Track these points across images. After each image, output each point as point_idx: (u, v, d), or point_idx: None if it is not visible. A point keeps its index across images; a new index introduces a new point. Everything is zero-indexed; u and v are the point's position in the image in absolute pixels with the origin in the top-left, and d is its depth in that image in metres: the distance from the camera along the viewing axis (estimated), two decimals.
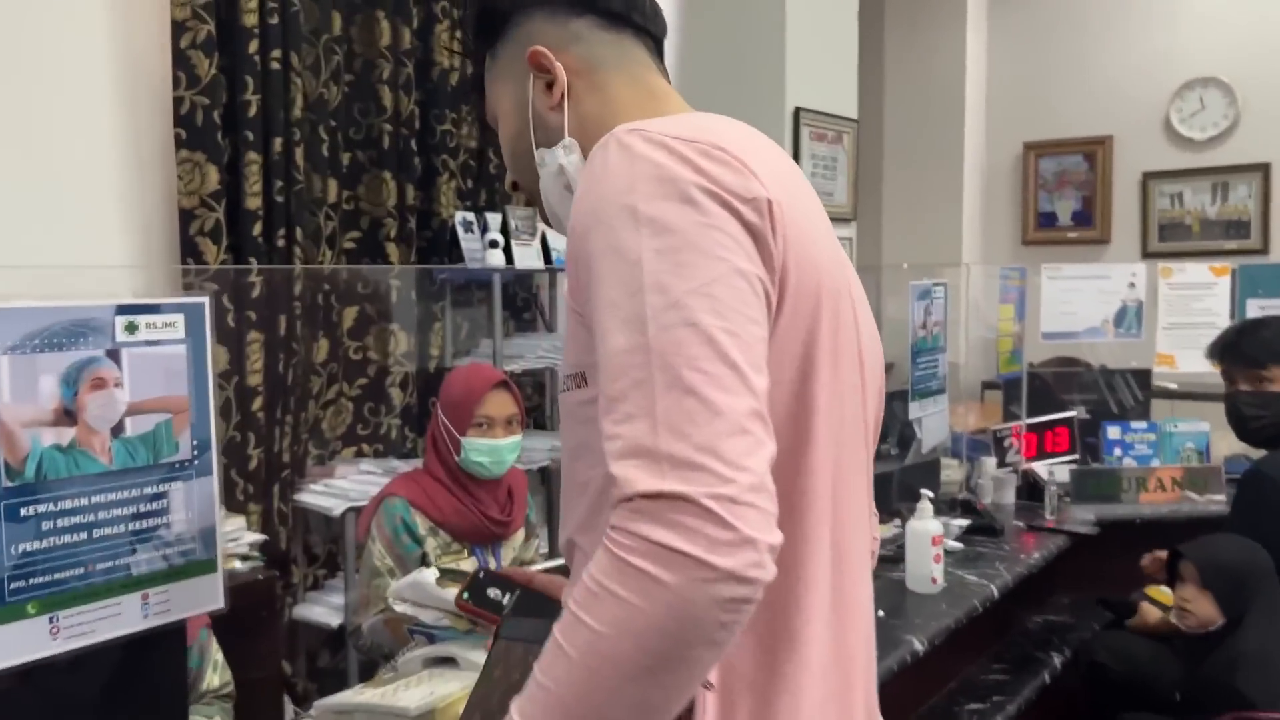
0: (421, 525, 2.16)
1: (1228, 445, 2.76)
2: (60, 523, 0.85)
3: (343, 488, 2.93)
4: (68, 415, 0.88)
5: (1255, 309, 2.60)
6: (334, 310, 3.06)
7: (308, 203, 2.90)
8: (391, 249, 3.17)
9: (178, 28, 2.56)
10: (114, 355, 0.91)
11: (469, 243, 3.37)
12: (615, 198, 0.78)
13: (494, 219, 3.44)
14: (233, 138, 2.70)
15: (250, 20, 2.67)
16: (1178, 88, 4.68)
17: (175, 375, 0.93)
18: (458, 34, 3.29)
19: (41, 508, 0.85)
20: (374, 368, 3.23)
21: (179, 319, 0.93)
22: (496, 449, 2.17)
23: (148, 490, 0.91)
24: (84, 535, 0.87)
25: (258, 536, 2.56)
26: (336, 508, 2.81)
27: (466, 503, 2.18)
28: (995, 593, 2.48)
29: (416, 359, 3.35)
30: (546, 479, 3.59)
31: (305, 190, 2.87)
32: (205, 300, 0.94)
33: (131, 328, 0.91)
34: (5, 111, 2.37)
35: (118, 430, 0.92)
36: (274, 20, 2.72)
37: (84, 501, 0.86)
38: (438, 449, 2.21)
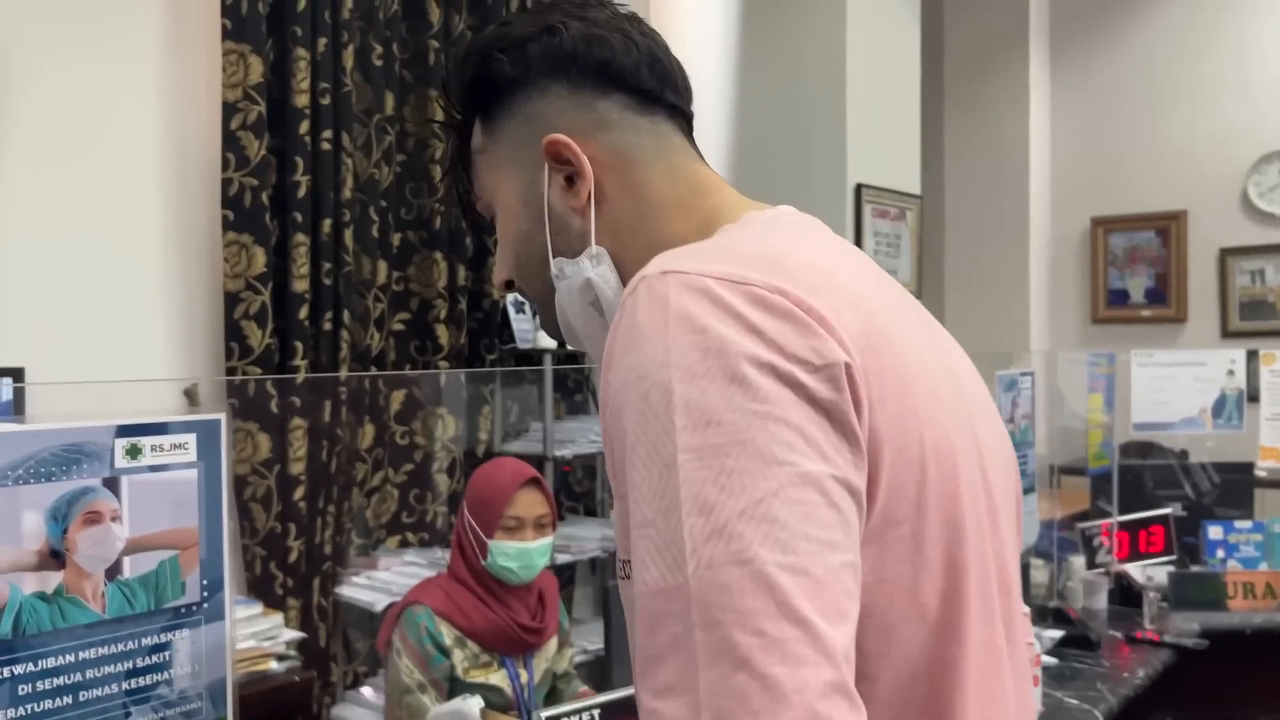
0: (448, 635, 2.00)
1: None
2: (42, 685, 0.72)
3: (385, 580, 2.80)
4: (55, 557, 0.75)
5: None
6: (381, 394, 2.96)
7: (356, 285, 2.82)
8: (441, 330, 3.08)
9: (229, 109, 2.52)
10: (112, 484, 0.79)
11: (520, 323, 3.28)
12: (648, 371, 0.62)
13: None
14: (281, 219, 2.64)
15: (302, 101, 2.62)
16: (1255, 161, 4.50)
17: (184, 504, 0.80)
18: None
19: (20, 668, 0.72)
20: (420, 453, 3.12)
21: (190, 439, 0.80)
22: (526, 552, 2.02)
23: (147, 641, 0.77)
24: (69, 699, 0.74)
25: (295, 634, 2.42)
26: (379, 602, 2.68)
27: (497, 610, 2.02)
28: None
29: (464, 443, 3.23)
30: (597, 569, 3.43)
31: (354, 272, 2.79)
32: (221, 418, 0.82)
33: (134, 452, 0.79)
34: (55, 194, 2.33)
35: (114, 572, 0.79)
36: (325, 100, 2.67)
37: (70, 659, 0.73)
38: (464, 551, 2.06)
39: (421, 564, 2.96)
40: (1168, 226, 4.72)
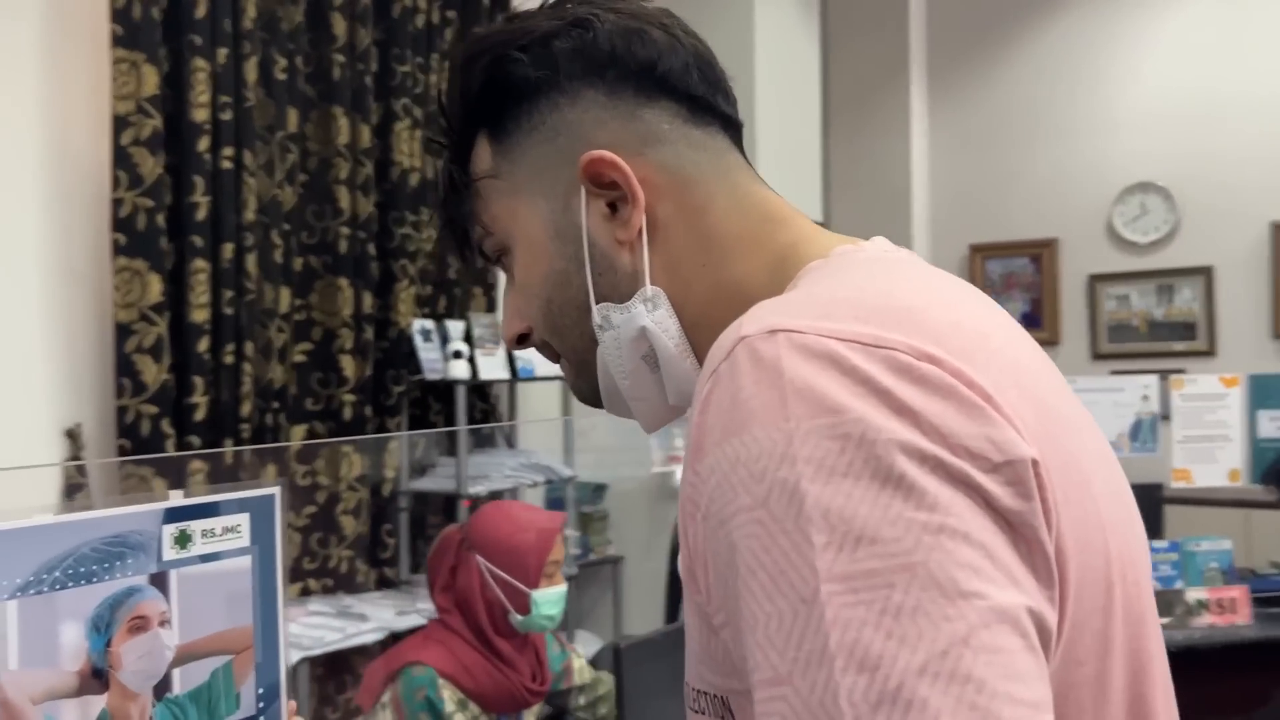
0: (450, 700, 1.81)
1: (1246, 560, 2.66)
2: None
3: (293, 634, 2.59)
4: (97, 677, 0.61)
5: (1266, 420, 2.54)
6: (283, 430, 2.75)
7: (259, 314, 2.62)
8: (346, 361, 2.89)
9: (120, 122, 2.30)
10: (160, 581, 0.65)
11: (428, 353, 3.12)
12: (763, 466, 0.46)
13: (455, 327, 3.20)
14: (178, 243, 2.42)
15: (200, 115, 2.42)
16: (1119, 192, 4.75)
17: (238, 599, 0.66)
18: (416, 135, 3.09)
19: None
20: (324, 493, 2.91)
21: (243, 521, 0.66)
22: (564, 597, 1.90)
23: None
24: None
25: None
26: (290, 658, 2.47)
27: (505, 672, 1.86)
28: None
29: (369, 482, 3.04)
30: None
31: (257, 300, 2.59)
32: (275, 491, 0.68)
33: (183, 540, 0.64)
34: None
35: (162, 687, 0.64)
36: (226, 115, 2.47)
37: None
38: (470, 608, 1.86)
39: (329, 613, 2.76)
40: (1040, 254, 4.93)
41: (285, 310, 2.74)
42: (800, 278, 0.60)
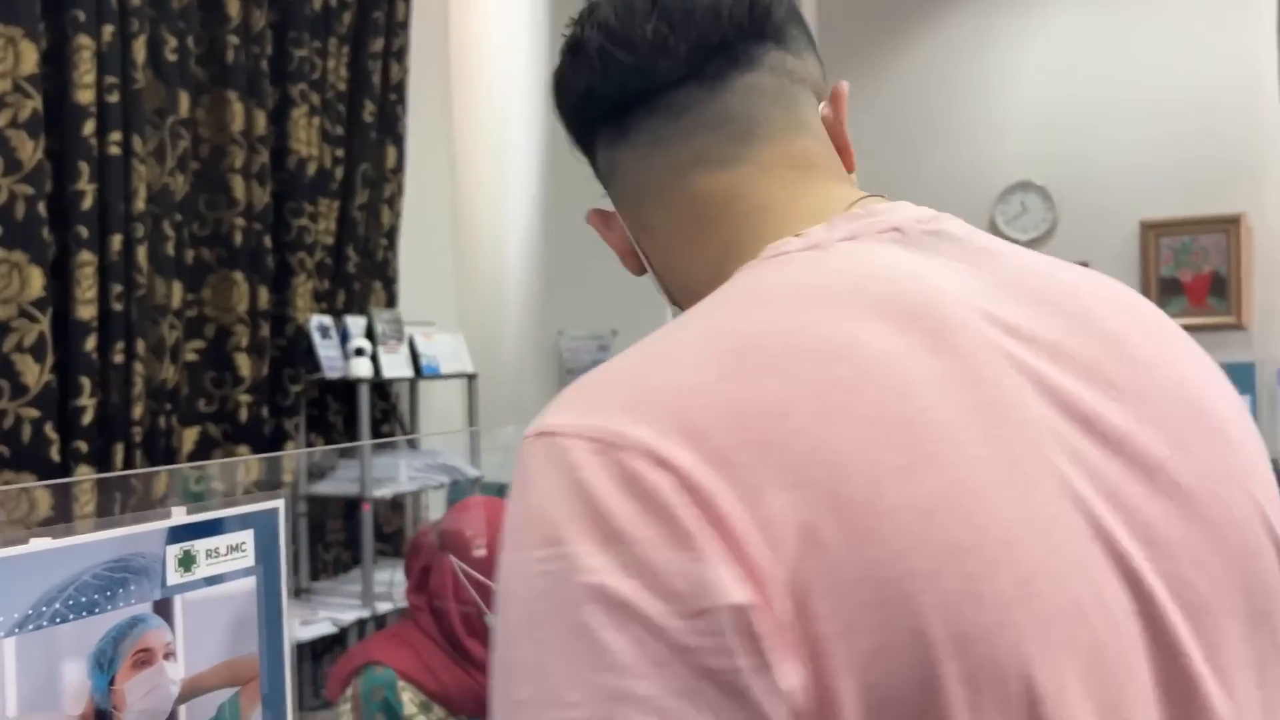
0: (410, 703, 1.73)
1: None
2: None
3: None
4: (101, 718, 0.53)
5: None
6: (175, 434, 2.59)
7: (150, 310, 2.46)
8: (241, 360, 2.75)
9: None
10: (164, 608, 0.57)
11: (326, 350, 3.00)
12: (502, 601, 0.45)
13: (356, 323, 3.08)
14: (61, 234, 2.25)
15: (85, 97, 2.25)
16: (1001, 191, 4.94)
17: (244, 624, 0.59)
18: (314, 122, 2.96)
19: None
20: (217, 500, 2.76)
21: (247, 539, 0.59)
22: None
23: None
24: None
25: None
26: None
27: (473, 673, 1.78)
28: None
29: (265, 488, 2.90)
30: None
31: (148, 295, 2.43)
32: (280, 504, 0.61)
33: (187, 562, 0.57)
34: None
35: None
36: (113, 98, 2.31)
37: None
38: (442, 608, 1.77)
39: None
40: None
41: (177, 306, 2.58)
42: (712, 301, 0.54)
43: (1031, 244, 4.87)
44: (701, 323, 0.51)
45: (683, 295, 0.63)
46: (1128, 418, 0.51)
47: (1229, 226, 4.56)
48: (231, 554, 0.61)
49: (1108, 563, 0.47)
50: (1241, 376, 3.28)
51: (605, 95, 0.59)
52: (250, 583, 0.62)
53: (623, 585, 0.40)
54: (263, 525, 0.62)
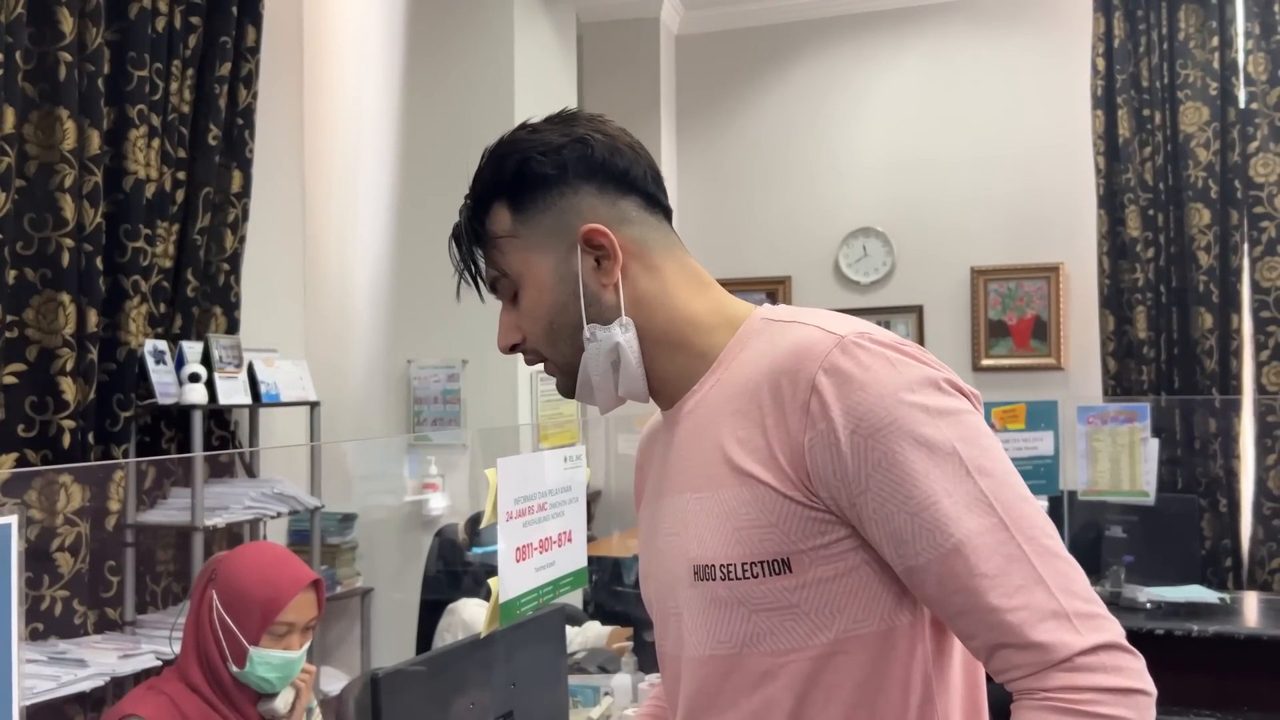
0: None
1: None
2: None
3: None
4: None
5: None
6: None
7: None
8: (66, 384, 2.66)
9: None
10: None
11: (160, 375, 2.93)
12: (901, 396, 0.85)
13: (192, 349, 3.02)
14: None
15: None
16: (844, 236, 5.18)
17: None
18: (154, 144, 2.90)
19: None
20: (35, 529, 2.65)
21: None
22: (289, 664, 1.74)
23: None
24: None
25: None
26: None
27: (229, 717, 1.73)
28: None
29: (90, 516, 2.80)
30: None
31: None
32: (13, 521, 0.61)
33: None
34: None
35: None
36: None
37: None
38: (203, 649, 1.74)
39: (40, 659, 2.51)
40: (775, 291, 5.28)
41: None
42: (763, 327, 0.98)
43: (872, 286, 5.11)
44: (852, 320, 0.95)
45: (655, 305, 0.99)
46: None
47: (1049, 274, 4.89)
48: None
49: None
50: (1048, 413, 3.52)
51: (636, 176, 1.00)
52: None
53: (942, 377, 0.90)
54: None
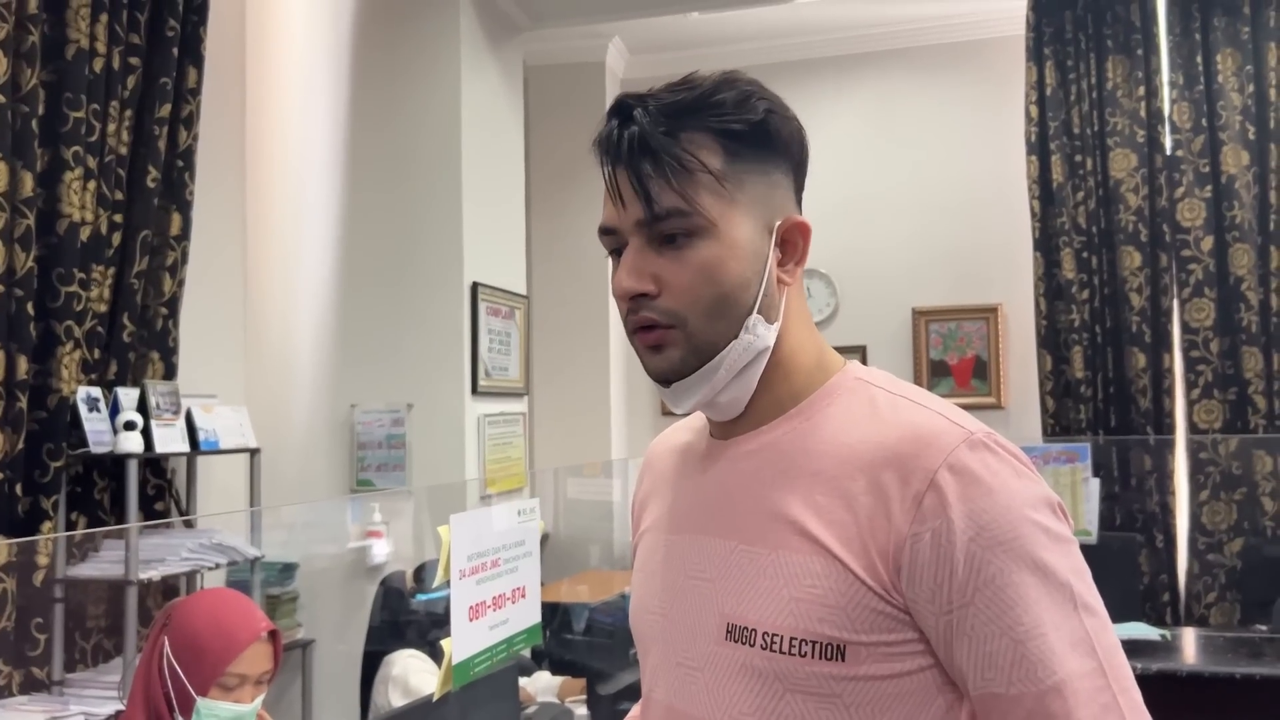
0: None
1: None
2: None
3: None
4: None
5: None
6: None
7: None
8: None
9: None
10: None
11: (94, 423, 2.85)
12: (1026, 512, 0.78)
13: (128, 395, 2.94)
14: None
15: None
16: None
17: None
18: (90, 186, 2.84)
19: None
20: None
21: None
22: (238, 717, 1.67)
23: None
24: None
25: None
26: None
27: None
28: None
29: (16, 571, 2.69)
30: None
31: None
32: None
33: None
34: None
35: None
36: None
37: None
38: (150, 699, 1.67)
39: None
40: None
41: None
42: (856, 387, 0.89)
43: (818, 326, 5.16)
44: (951, 406, 0.87)
45: (798, 323, 0.90)
46: None
47: (989, 315, 4.99)
48: None
49: None
50: None
51: (802, 186, 0.93)
52: None
53: (1055, 500, 0.83)
54: None
